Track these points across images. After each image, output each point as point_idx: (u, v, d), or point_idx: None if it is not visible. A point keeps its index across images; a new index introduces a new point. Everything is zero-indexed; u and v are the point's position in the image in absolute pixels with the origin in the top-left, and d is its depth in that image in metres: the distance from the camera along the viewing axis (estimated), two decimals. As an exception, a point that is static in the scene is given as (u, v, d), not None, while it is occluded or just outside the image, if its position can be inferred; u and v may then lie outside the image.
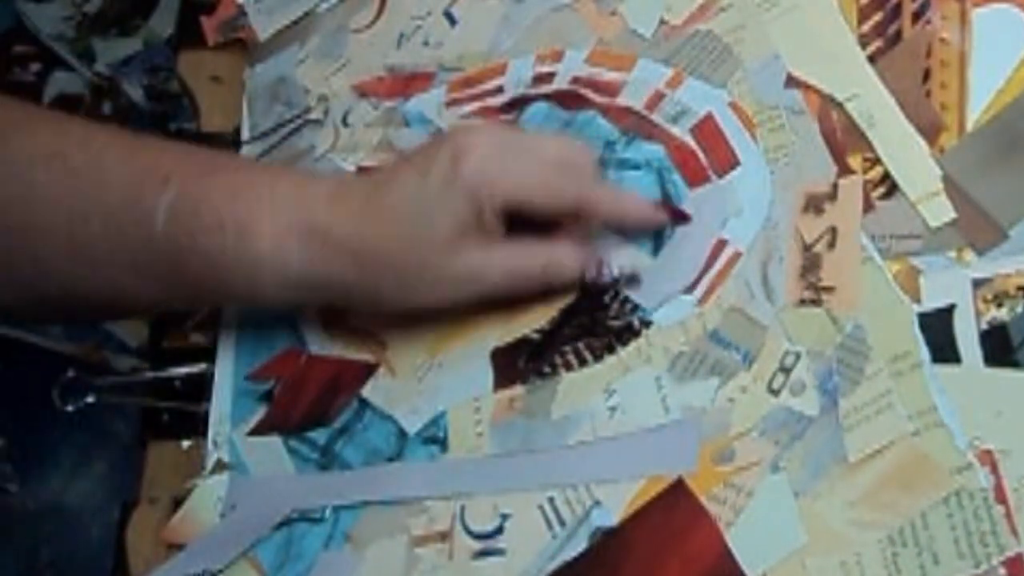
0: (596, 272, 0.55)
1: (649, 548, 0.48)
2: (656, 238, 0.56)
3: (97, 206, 0.53)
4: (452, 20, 0.72)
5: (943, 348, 0.48)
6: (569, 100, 0.63)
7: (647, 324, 0.54)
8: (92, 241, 0.53)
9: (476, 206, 0.51)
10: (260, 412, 0.61)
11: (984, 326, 0.48)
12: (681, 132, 0.59)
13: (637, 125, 0.60)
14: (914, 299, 0.49)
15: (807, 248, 0.53)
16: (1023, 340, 0.47)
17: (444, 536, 0.53)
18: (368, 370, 0.59)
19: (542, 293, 0.57)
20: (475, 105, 0.67)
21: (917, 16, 0.57)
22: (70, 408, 0.64)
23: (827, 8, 0.59)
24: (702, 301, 0.53)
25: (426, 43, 0.72)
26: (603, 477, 0.50)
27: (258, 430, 0.61)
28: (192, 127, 0.90)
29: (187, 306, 0.62)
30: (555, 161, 0.54)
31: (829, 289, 0.51)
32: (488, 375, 0.56)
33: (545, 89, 0.65)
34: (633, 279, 0.55)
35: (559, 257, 0.54)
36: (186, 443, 0.63)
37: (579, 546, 0.50)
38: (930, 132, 0.53)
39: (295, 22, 0.79)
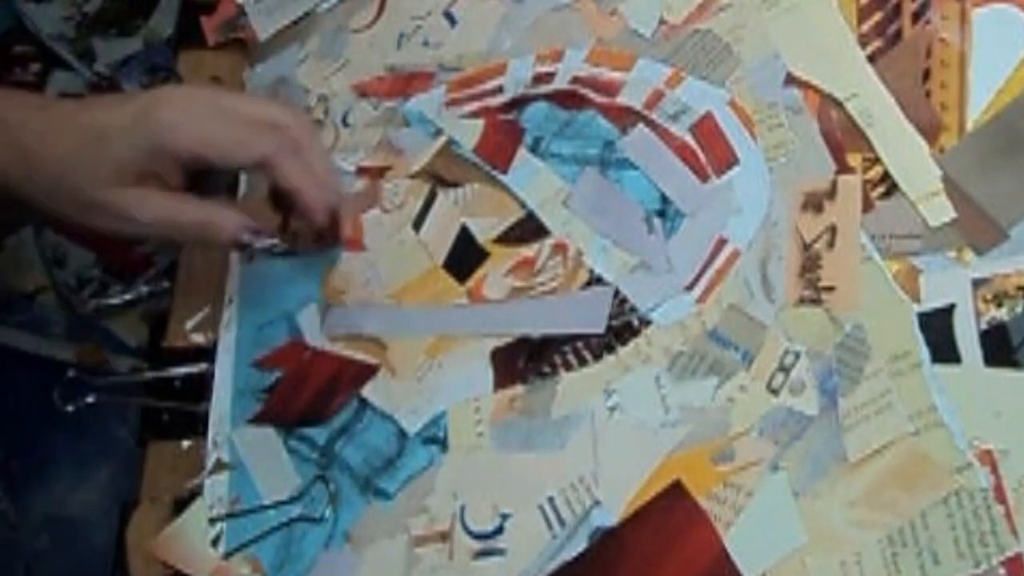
0: (249, 238, 0.57)
1: (648, 548, 0.48)
2: (669, 227, 0.56)
3: None
4: (452, 20, 0.72)
5: (943, 348, 0.48)
6: (569, 99, 0.63)
7: (646, 323, 0.54)
8: None
9: (155, 150, 0.54)
10: (260, 404, 0.61)
11: (984, 326, 0.48)
12: (681, 131, 0.59)
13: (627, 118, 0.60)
14: (914, 299, 0.49)
15: (806, 247, 0.53)
16: (1023, 340, 0.47)
17: (444, 536, 0.53)
18: (368, 371, 0.59)
19: (541, 294, 0.57)
20: (475, 105, 0.67)
21: (917, 16, 0.57)
22: (70, 408, 0.64)
23: (827, 8, 0.59)
24: (701, 300, 0.53)
25: (426, 43, 0.72)
26: (526, 328, 0.56)
27: (257, 420, 0.61)
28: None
29: None
30: (252, 120, 0.56)
31: (829, 288, 0.51)
32: (488, 375, 0.56)
33: (545, 89, 0.65)
34: (290, 253, 0.59)
35: (219, 220, 0.57)
36: (186, 443, 0.63)
37: (579, 546, 0.50)
38: (930, 132, 0.53)
39: (295, 22, 0.79)
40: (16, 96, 0.57)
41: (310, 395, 0.60)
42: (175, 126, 0.54)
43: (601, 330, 0.54)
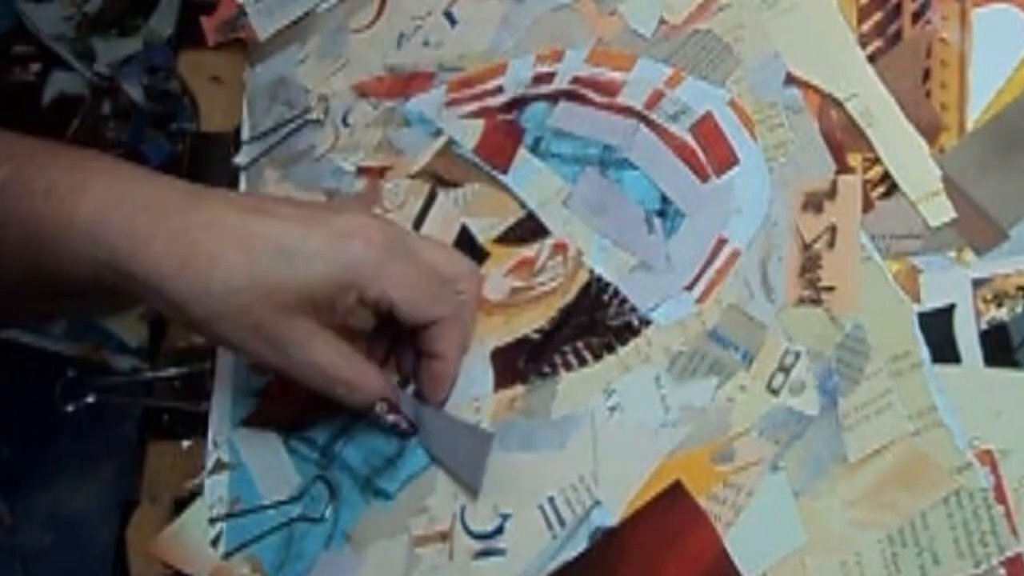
0: (385, 410, 0.54)
1: (648, 548, 0.48)
2: (669, 227, 0.56)
3: None
4: (452, 20, 0.72)
5: (943, 348, 0.48)
6: (569, 100, 0.63)
7: (646, 323, 0.54)
8: None
9: (347, 285, 0.49)
10: (254, 407, 0.61)
11: (984, 326, 0.48)
12: (680, 131, 0.59)
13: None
14: (914, 299, 0.49)
15: (806, 247, 0.53)
16: (1023, 340, 0.47)
17: (444, 536, 0.53)
18: (333, 427, 0.58)
19: (541, 294, 0.57)
20: (475, 105, 0.67)
21: (917, 16, 0.57)
22: (70, 408, 0.64)
23: (827, 7, 0.59)
24: (701, 300, 0.53)
25: (426, 43, 0.72)
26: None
27: (251, 422, 0.61)
28: (192, 127, 0.90)
29: (18, 282, 0.52)
30: (441, 275, 0.53)
31: (829, 288, 0.51)
32: (488, 375, 0.56)
33: (545, 89, 0.65)
34: (411, 431, 0.55)
35: (366, 382, 0.52)
36: (186, 443, 0.63)
37: (579, 546, 0.50)
38: (930, 132, 0.53)
39: (295, 22, 0.79)
40: (165, 184, 0.50)
41: (302, 400, 0.60)
42: (377, 265, 0.49)
43: (478, 487, 0.52)
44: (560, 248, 0.58)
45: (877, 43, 0.57)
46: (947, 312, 0.48)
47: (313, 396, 0.54)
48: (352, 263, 0.49)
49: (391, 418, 0.54)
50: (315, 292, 0.49)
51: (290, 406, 0.60)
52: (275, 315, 0.48)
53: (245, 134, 0.75)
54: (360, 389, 0.52)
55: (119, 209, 0.47)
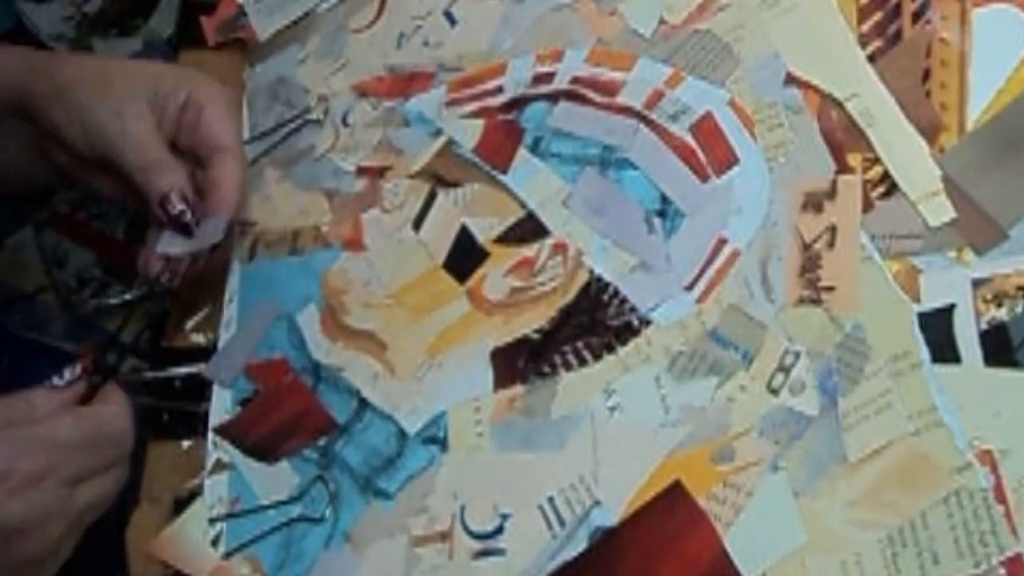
0: (179, 196, 0.60)
1: (648, 548, 0.48)
2: (669, 227, 0.56)
3: None
4: (452, 20, 0.72)
5: (943, 348, 0.48)
6: (569, 100, 0.63)
7: (646, 323, 0.54)
8: None
9: (180, 79, 0.63)
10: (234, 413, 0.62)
11: (984, 326, 0.48)
12: (680, 131, 0.59)
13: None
14: (914, 299, 0.49)
15: (806, 247, 0.53)
16: (1023, 340, 0.47)
17: (444, 536, 0.53)
18: (331, 426, 0.59)
19: (541, 294, 0.57)
20: (475, 105, 0.67)
21: (917, 16, 0.57)
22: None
23: (827, 8, 0.59)
24: (701, 300, 0.53)
25: (426, 43, 0.72)
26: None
27: (222, 432, 0.61)
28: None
29: None
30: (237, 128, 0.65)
31: (829, 288, 0.51)
32: (488, 375, 0.56)
33: (545, 89, 0.65)
34: (191, 227, 0.60)
35: (171, 169, 0.61)
36: (186, 443, 0.63)
37: (579, 546, 0.50)
38: (930, 132, 0.53)
39: (295, 22, 0.79)
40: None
41: (273, 425, 0.60)
42: (208, 85, 0.63)
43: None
44: (560, 248, 0.58)
45: (877, 43, 0.57)
46: (947, 312, 0.48)
47: (279, 428, 0.56)
48: (190, 74, 0.64)
49: (180, 206, 0.60)
50: (160, 79, 0.62)
51: (257, 429, 0.60)
52: (124, 87, 0.61)
53: (245, 134, 0.74)
54: (167, 172, 0.61)
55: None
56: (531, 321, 0.57)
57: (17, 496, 0.47)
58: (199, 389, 0.64)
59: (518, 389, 0.55)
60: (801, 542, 0.46)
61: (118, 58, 0.69)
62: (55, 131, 0.62)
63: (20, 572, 0.49)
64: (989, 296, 0.48)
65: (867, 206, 0.52)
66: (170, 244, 0.60)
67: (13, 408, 0.50)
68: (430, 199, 0.64)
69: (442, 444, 0.56)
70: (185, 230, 0.60)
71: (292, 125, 0.73)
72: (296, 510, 0.57)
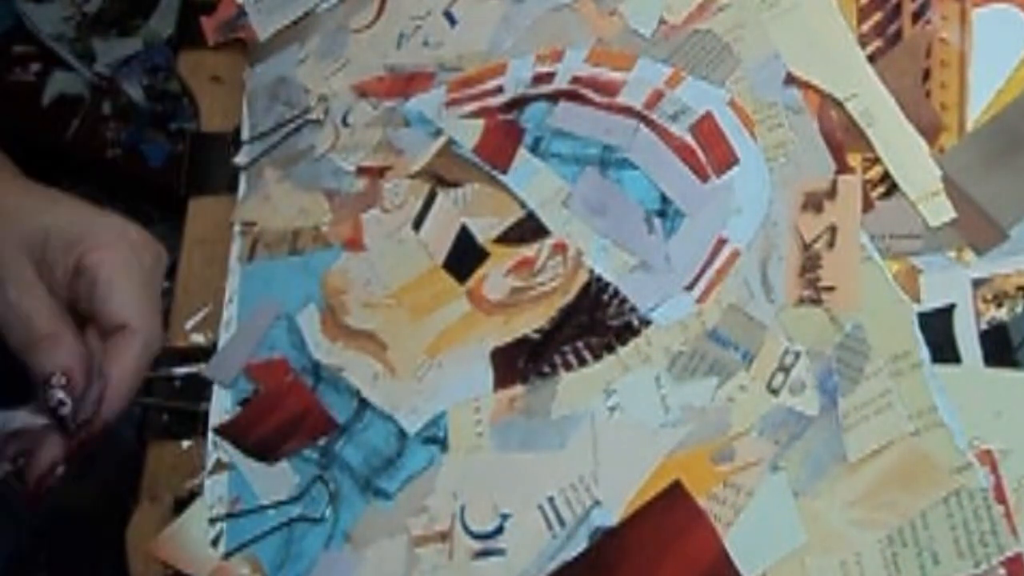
0: (61, 382, 0.50)
1: (648, 548, 0.48)
2: (669, 227, 0.56)
3: None
4: (452, 20, 0.72)
5: (943, 348, 0.48)
6: (569, 100, 0.63)
7: (646, 323, 0.54)
8: None
9: (72, 240, 0.52)
10: (234, 413, 0.62)
11: (984, 326, 0.48)
12: (680, 131, 0.59)
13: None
14: (914, 299, 0.49)
15: (806, 247, 0.53)
16: (1023, 340, 0.47)
17: (444, 536, 0.53)
18: (331, 426, 0.59)
19: (541, 294, 0.57)
20: (475, 105, 0.67)
21: (917, 16, 0.57)
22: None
23: (827, 8, 0.59)
24: (701, 300, 0.53)
25: (426, 43, 0.72)
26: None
27: (221, 431, 0.61)
28: (192, 127, 0.90)
29: None
30: (149, 296, 0.53)
31: (829, 288, 0.51)
32: (488, 375, 0.56)
33: (545, 89, 0.65)
34: (69, 421, 0.50)
35: (60, 345, 0.51)
36: (186, 443, 0.63)
37: (579, 546, 0.50)
38: (930, 132, 0.53)
39: (295, 22, 0.79)
40: None
41: (273, 425, 0.60)
42: (107, 246, 0.52)
43: None
44: (560, 248, 0.59)
45: (877, 43, 0.57)
46: (947, 312, 0.48)
47: (279, 429, 0.55)
48: (90, 230, 0.52)
49: (60, 395, 0.50)
50: (49, 236, 0.52)
51: (256, 429, 0.60)
52: (7, 247, 0.52)
53: (245, 134, 0.75)
54: (52, 351, 0.51)
55: None
56: (531, 321, 0.57)
57: None
58: (199, 389, 0.64)
59: (518, 389, 0.55)
60: (801, 542, 0.46)
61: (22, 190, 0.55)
62: None
63: None
64: (989, 296, 0.48)
65: (867, 206, 0.52)
66: (11, 420, 0.50)
67: None
68: (430, 199, 0.64)
69: (442, 444, 0.56)
70: (61, 424, 0.50)
71: (292, 125, 0.73)
72: (296, 510, 0.57)
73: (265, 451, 0.59)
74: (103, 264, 0.52)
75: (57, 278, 0.52)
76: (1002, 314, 0.48)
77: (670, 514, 0.49)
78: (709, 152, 0.58)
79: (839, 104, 0.56)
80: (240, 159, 0.73)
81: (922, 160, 0.53)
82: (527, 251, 0.59)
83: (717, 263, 0.54)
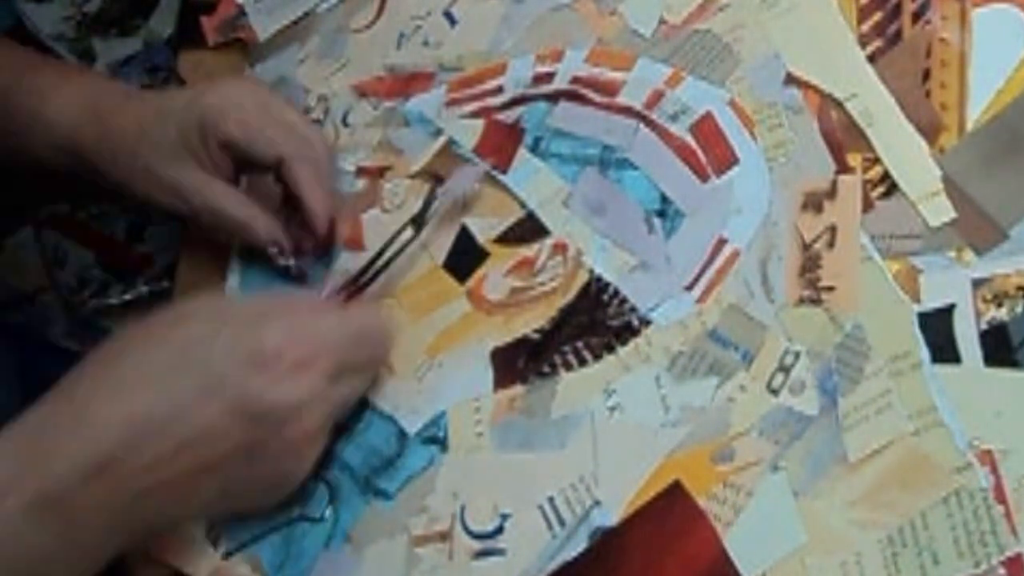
0: (277, 252, 0.63)
1: (648, 548, 0.48)
2: (669, 227, 0.56)
3: None
4: (452, 20, 0.72)
5: (943, 348, 0.48)
6: (569, 100, 0.63)
7: (646, 323, 0.54)
8: None
9: (201, 130, 0.61)
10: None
11: (984, 326, 0.48)
12: (680, 131, 0.59)
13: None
14: (914, 299, 0.49)
15: (806, 247, 0.53)
16: (1023, 340, 0.47)
17: (444, 536, 0.53)
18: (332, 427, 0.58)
19: (541, 294, 0.57)
20: (475, 105, 0.67)
21: (917, 16, 0.57)
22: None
23: (827, 7, 0.59)
24: (701, 300, 0.53)
25: (426, 43, 0.72)
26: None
27: None
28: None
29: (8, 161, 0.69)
30: (286, 123, 0.63)
31: (829, 288, 0.51)
32: (488, 375, 0.56)
33: (545, 89, 0.65)
34: (301, 276, 0.64)
35: (256, 225, 0.63)
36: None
37: (579, 546, 0.50)
38: (930, 132, 0.53)
39: (295, 22, 0.79)
40: (88, 73, 0.68)
41: None
42: (219, 110, 0.61)
43: None
44: (560, 248, 0.58)
45: (877, 43, 0.57)
46: (947, 312, 0.48)
47: None
48: (202, 112, 0.62)
49: (282, 260, 0.63)
50: (183, 140, 0.62)
51: None
52: (170, 167, 0.62)
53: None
54: (253, 229, 0.63)
55: (73, 108, 0.64)
56: (531, 321, 0.57)
57: (286, 380, 0.50)
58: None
59: (518, 389, 0.55)
60: (801, 542, 0.46)
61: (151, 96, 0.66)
62: (117, 185, 0.64)
63: (283, 460, 0.51)
64: (989, 296, 0.48)
65: (867, 206, 0.52)
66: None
67: (288, 301, 0.54)
68: (430, 199, 0.64)
69: (442, 444, 0.56)
70: (300, 278, 0.64)
71: (292, 125, 0.73)
72: (296, 510, 0.57)
73: None
74: (237, 125, 0.61)
75: (215, 161, 0.62)
76: (1002, 314, 0.48)
77: (670, 514, 0.49)
78: (709, 152, 0.58)
79: (839, 104, 0.56)
80: (240, 159, 0.73)
81: (922, 160, 0.53)
82: (527, 251, 0.59)
83: (717, 263, 0.54)
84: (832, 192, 0.53)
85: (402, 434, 0.57)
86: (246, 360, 0.49)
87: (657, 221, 0.57)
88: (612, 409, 0.53)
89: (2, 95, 0.66)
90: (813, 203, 0.54)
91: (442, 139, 0.66)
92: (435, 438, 0.56)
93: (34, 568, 0.47)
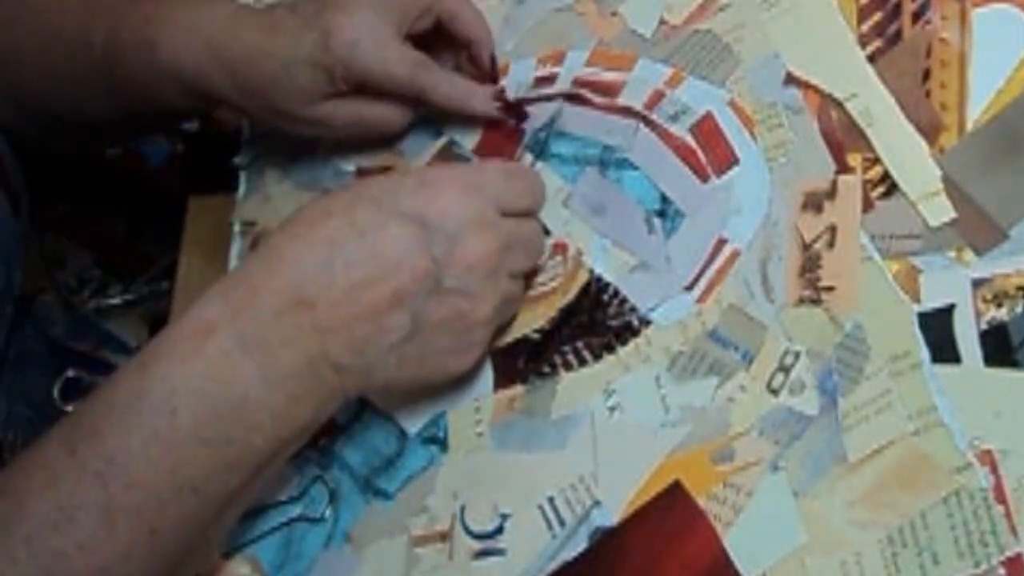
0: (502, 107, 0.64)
1: (648, 548, 0.48)
2: (669, 227, 0.56)
3: (56, 42, 0.66)
4: (452, 20, 0.72)
5: (943, 348, 0.48)
6: (570, 101, 0.63)
7: (646, 323, 0.54)
8: (55, 67, 0.66)
9: (337, 77, 0.61)
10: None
11: (984, 326, 0.48)
12: (680, 131, 0.59)
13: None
14: (914, 299, 0.49)
15: (806, 247, 0.53)
16: (1023, 340, 0.47)
17: (444, 536, 0.53)
18: (331, 427, 0.58)
19: (541, 294, 0.57)
20: (475, 105, 0.66)
21: (917, 16, 0.57)
22: (70, 408, 0.64)
23: (827, 7, 0.59)
24: (701, 300, 0.54)
25: (426, 43, 0.72)
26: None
27: None
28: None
29: (128, 116, 0.69)
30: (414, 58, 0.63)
31: (829, 288, 0.51)
32: (488, 375, 0.56)
33: (546, 91, 0.65)
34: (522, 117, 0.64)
35: (388, 114, 0.64)
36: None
37: (579, 546, 0.50)
38: (930, 132, 0.53)
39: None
40: (215, 21, 0.63)
41: None
42: (352, 50, 0.60)
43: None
44: (560, 248, 0.58)
45: (877, 43, 0.57)
46: (947, 312, 0.48)
47: None
48: (334, 61, 0.61)
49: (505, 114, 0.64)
50: (316, 89, 0.62)
51: None
52: (303, 109, 0.63)
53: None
54: (389, 119, 0.65)
55: (191, 51, 0.62)
56: (531, 321, 0.57)
57: (456, 202, 0.52)
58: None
59: (518, 389, 0.55)
60: (801, 542, 0.46)
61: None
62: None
63: (456, 322, 0.52)
64: (989, 296, 0.48)
65: (867, 206, 0.52)
66: None
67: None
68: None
69: (442, 444, 0.56)
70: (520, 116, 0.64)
71: (292, 125, 0.73)
72: (296, 510, 0.57)
73: None
74: (376, 62, 0.61)
75: (339, 87, 0.62)
76: (1002, 314, 0.48)
77: (670, 514, 0.49)
78: (709, 152, 0.58)
79: (839, 104, 0.56)
80: (240, 159, 0.73)
81: (922, 160, 0.53)
82: (527, 251, 0.59)
83: (717, 263, 0.54)
84: (832, 192, 0.53)
85: (402, 434, 0.57)
86: (418, 187, 0.52)
87: (657, 221, 0.57)
88: (612, 409, 0.53)
89: (113, 43, 0.64)
90: (813, 203, 0.54)
91: (442, 139, 0.66)
92: (435, 438, 0.56)
93: (243, 408, 0.48)
